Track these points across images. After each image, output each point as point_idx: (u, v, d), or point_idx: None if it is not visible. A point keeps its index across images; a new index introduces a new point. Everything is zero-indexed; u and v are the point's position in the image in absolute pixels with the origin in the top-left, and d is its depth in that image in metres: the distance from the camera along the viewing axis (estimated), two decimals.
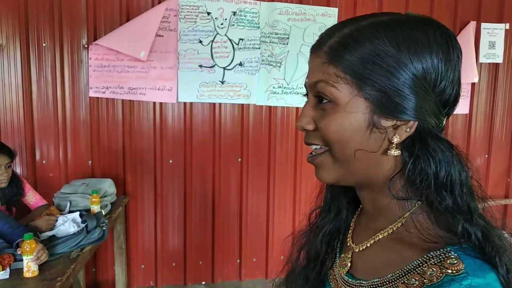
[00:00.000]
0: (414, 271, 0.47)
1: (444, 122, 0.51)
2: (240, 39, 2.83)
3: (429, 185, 0.48)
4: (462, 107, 3.24)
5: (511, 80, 3.32)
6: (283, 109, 2.98)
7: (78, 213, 2.11)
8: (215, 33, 2.80)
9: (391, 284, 0.49)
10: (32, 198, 2.33)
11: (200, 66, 2.80)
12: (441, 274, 0.44)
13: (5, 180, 2.14)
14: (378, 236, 0.54)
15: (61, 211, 2.25)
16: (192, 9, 2.75)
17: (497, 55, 3.23)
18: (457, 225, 0.47)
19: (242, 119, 2.94)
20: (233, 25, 2.81)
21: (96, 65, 2.68)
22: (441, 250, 0.46)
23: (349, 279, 0.57)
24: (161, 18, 2.67)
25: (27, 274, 1.61)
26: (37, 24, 2.61)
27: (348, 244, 0.61)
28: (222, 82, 2.85)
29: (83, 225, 1.99)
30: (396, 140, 0.49)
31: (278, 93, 2.93)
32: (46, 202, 2.37)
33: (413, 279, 0.47)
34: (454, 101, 0.51)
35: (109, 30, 2.66)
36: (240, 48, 2.84)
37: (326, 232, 0.65)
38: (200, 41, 2.79)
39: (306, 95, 0.56)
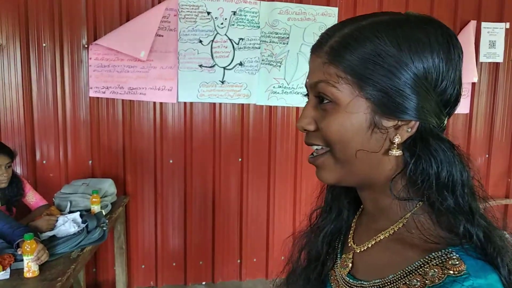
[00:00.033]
0: (415, 272, 0.47)
1: (445, 122, 0.51)
2: (240, 38, 2.83)
3: (430, 185, 0.48)
4: (462, 107, 3.24)
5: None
6: (283, 109, 2.98)
7: (78, 213, 2.11)
8: (215, 32, 2.80)
9: (392, 285, 0.49)
10: (32, 198, 2.33)
11: (200, 66, 2.80)
12: (443, 275, 0.44)
13: (5, 180, 2.14)
14: (380, 236, 0.54)
15: (61, 211, 2.25)
16: (192, 8, 2.74)
17: (498, 55, 3.23)
18: (459, 226, 0.47)
19: (242, 119, 2.94)
20: (233, 24, 2.81)
21: (96, 65, 2.68)
22: (443, 250, 0.46)
23: (350, 280, 0.56)
24: (161, 18, 2.67)
25: (27, 274, 1.61)
26: (37, 24, 2.61)
27: (349, 244, 0.61)
28: (222, 82, 2.84)
29: (84, 225, 1.99)
30: (397, 140, 0.49)
31: (278, 92, 2.93)
32: (46, 202, 2.37)
33: (414, 280, 0.47)
34: (455, 100, 0.51)
35: (109, 30, 2.66)
36: (240, 48, 2.84)
37: (327, 232, 0.65)
38: (200, 41, 2.78)
39: (307, 95, 0.56)
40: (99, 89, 2.71)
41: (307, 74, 0.56)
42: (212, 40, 2.80)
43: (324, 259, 0.64)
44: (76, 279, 2.04)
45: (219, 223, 3.01)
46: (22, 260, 1.63)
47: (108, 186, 2.53)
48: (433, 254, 0.47)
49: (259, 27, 2.84)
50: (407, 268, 0.48)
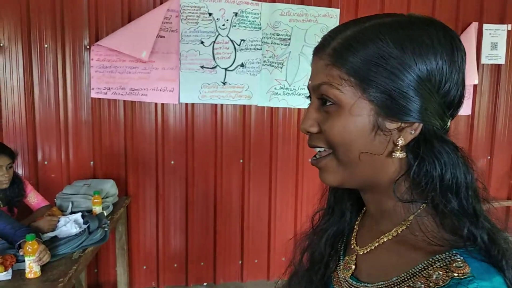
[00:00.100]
0: (419, 274, 0.47)
1: (449, 124, 0.51)
2: (241, 40, 2.83)
3: (434, 187, 0.48)
4: (464, 108, 3.21)
5: None
6: (285, 110, 2.98)
7: (80, 214, 2.11)
8: (217, 34, 2.80)
9: (396, 287, 0.49)
10: (34, 199, 2.33)
11: (202, 67, 2.80)
12: (447, 278, 0.44)
13: (6, 181, 2.14)
14: (383, 238, 0.54)
15: (63, 212, 2.25)
16: (194, 10, 2.75)
17: (499, 56, 3.22)
18: (463, 228, 0.47)
19: (244, 120, 2.94)
20: (235, 26, 2.81)
21: (98, 66, 2.69)
22: (447, 253, 0.46)
23: (354, 282, 0.56)
24: (162, 19, 2.67)
25: (29, 275, 1.61)
26: (39, 25, 2.62)
27: (352, 246, 0.61)
28: (224, 83, 2.85)
29: (85, 226, 1.99)
30: (401, 142, 0.49)
31: (280, 94, 2.93)
32: (48, 203, 2.37)
33: (418, 283, 0.46)
34: (458, 102, 0.51)
35: (111, 31, 2.66)
36: (242, 49, 2.84)
37: (330, 234, 0.65)
38: (202, 42, 2.79)
39: (309, 97, 0.56)
40: (101, 90, 2.71)
41: (309, 76, 0.56)
42: (214, 41, 2.80)
43: (327, 261, 0.64)
44: (77, 280, 2.04)
45: (220, 224, 3.01)
46: (24, 261, 1.63)
47: (110, 187, 2.53)
48: (437, 256, 0.46)
49: (260, 28, 2.84)
50: (411, 271, 0.48)
